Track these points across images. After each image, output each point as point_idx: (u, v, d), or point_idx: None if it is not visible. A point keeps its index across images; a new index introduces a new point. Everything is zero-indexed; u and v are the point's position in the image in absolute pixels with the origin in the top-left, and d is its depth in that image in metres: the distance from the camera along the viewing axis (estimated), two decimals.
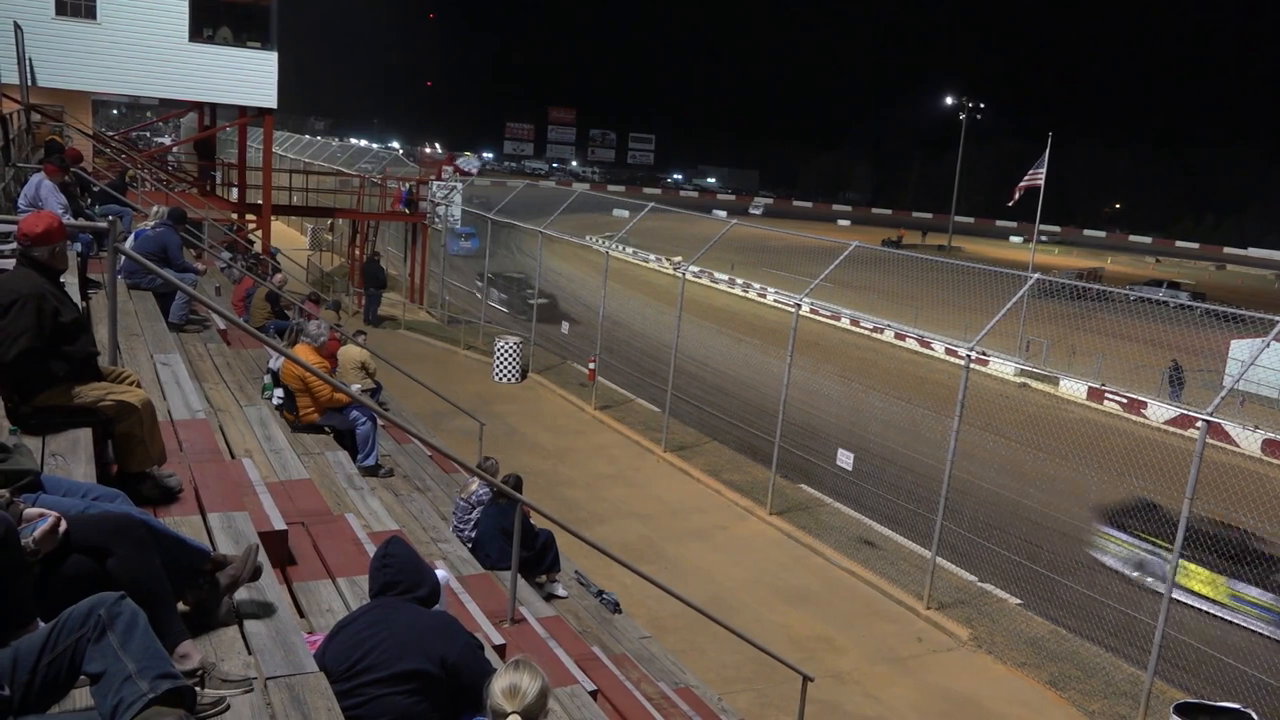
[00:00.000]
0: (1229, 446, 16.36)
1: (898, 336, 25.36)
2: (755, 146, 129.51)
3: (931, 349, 23.13)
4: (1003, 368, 21.48)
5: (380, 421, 8.89)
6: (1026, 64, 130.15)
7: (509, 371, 19.74)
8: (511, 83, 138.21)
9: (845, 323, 26.14)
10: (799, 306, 14.18)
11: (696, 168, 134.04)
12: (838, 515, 13.86)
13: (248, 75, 19.41)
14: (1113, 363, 22.74)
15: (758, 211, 56.14)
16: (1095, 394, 21.25)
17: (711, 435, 17.05)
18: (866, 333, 26.34)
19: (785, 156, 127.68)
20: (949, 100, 75.94)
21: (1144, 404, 19.51)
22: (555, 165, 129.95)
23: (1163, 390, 20.39)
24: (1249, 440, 16.41)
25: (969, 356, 11.22)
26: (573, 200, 22.46)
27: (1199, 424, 8.99)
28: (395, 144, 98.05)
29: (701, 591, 10.64)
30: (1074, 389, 21.70)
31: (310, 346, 9.12)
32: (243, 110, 21.21)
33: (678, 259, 19.12)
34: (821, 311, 22.03)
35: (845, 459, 13.30)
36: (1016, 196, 31.78)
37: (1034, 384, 21.99)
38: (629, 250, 31.80)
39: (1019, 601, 11.57)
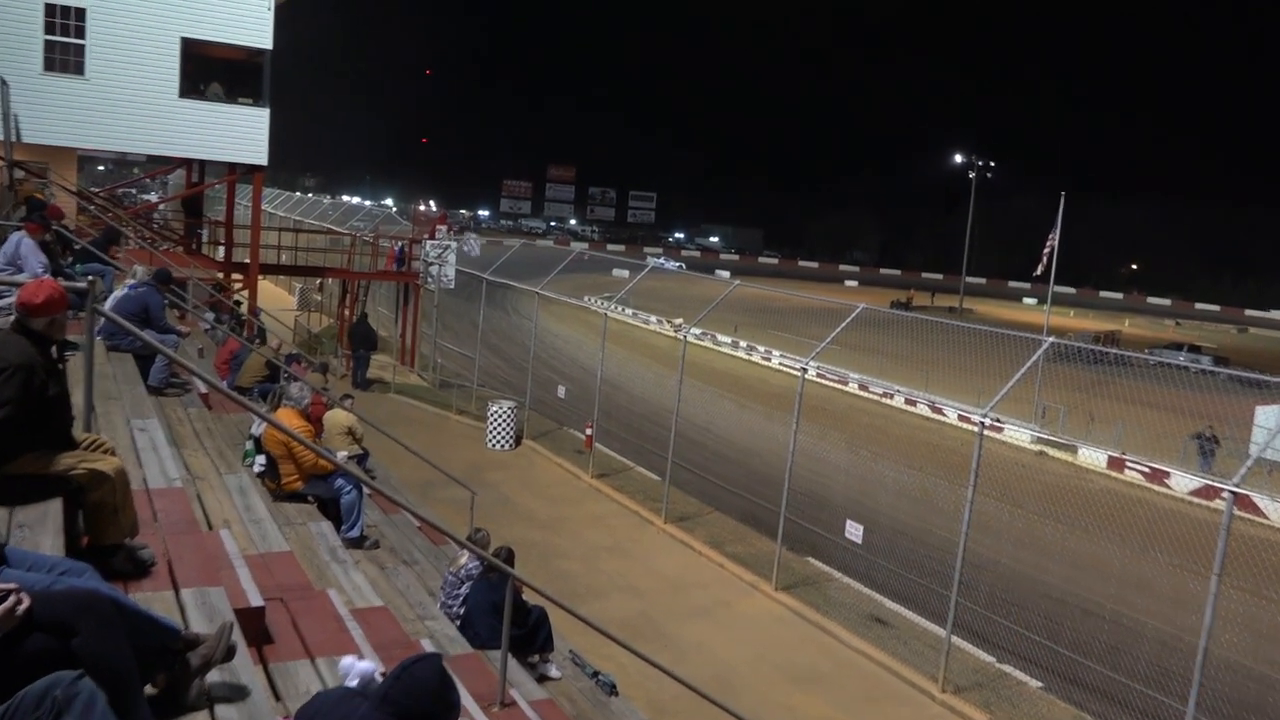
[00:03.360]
0: (1258, 519, 16.22)
1: (908, 402, 25.36)
2: (760, 204, 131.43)
3: (943, 415, 23.11)
4: (1018, 435, 21.44)
5: (366, 490, 8.84)
6: (1038, 119, 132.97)
7: (503, 437, 19.72)
8: (509, 139, 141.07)
9: (853, 387, 26.20)
10: (805, 370, 14.17)
11: (699, 226, 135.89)
12: (847, 591, 13.69)
13: (238, 131, 19.70)
14: (1133, 430, 22.65)
15: (673, 267, 57.60)
16: (1116, 463, 21.17)
17: (714, 505, 16.92)
18: (875, 398, 26.33)
19: (791, 215, 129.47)
20: (958, 158, 77.29)
21: (1167, 474, 19.43)
22: (553, 224, 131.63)
23: (1188, 459, 20.29)
24: (1278, 512, 16.27)
25: (983, 423, 11.19)
26: (571, 259, 22.76)
27: (1225, 495, 8.92)
28: (389, 201, 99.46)
29: (703, 672, 10.46)
30: (1093, 458, 21.61)
31: (294, 410, 9.12)
32: (232, 167, 21.50)
33: (679, 320, 19.25)
34: (829, 375, 22.05)
35: (854, 531, 13.16)
36: (1043, 264, 31.46)
37: (1051, 452, 21.91)
38: (628, 311, 32.00)
39: (1040, 685, 11.36)
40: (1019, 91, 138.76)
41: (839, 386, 25.87)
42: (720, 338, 30.51)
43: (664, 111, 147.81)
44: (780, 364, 26.61)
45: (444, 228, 25.95)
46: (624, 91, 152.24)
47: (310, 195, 59.50)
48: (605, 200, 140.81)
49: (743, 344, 31.01)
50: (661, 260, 76.32)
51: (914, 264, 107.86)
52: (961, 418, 19.96)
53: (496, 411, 19.76)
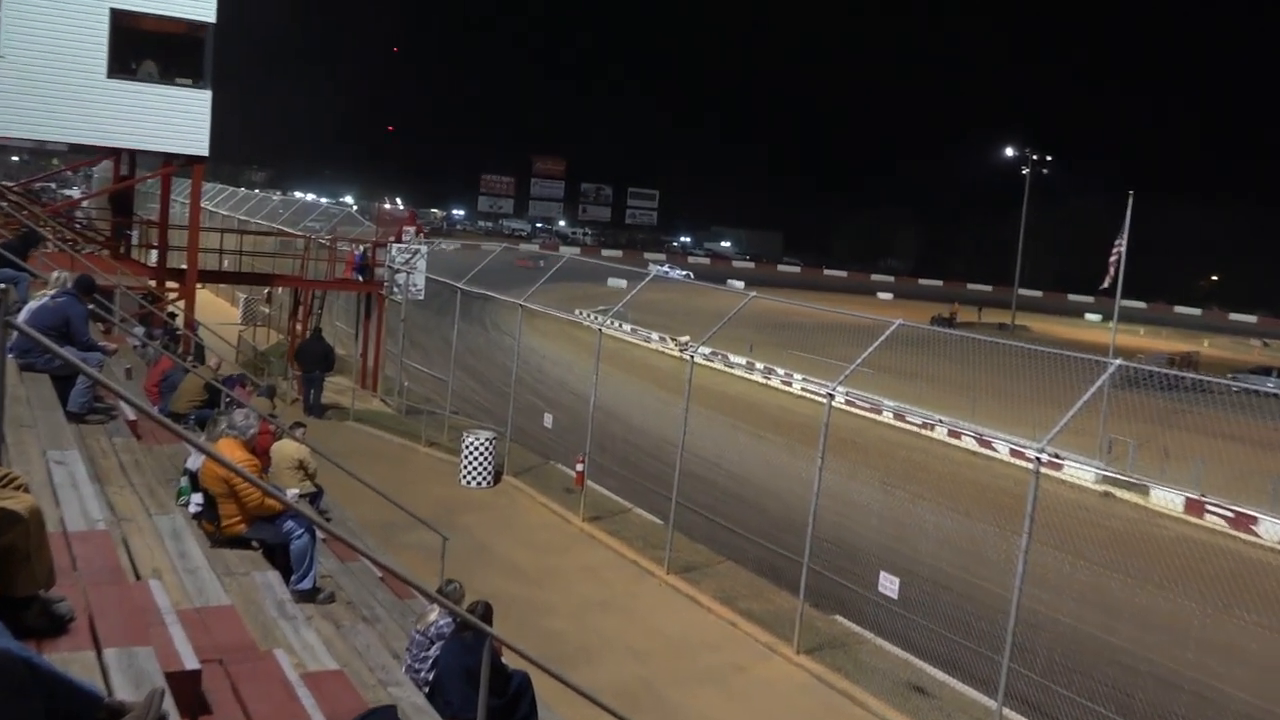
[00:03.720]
0: None
1: (951, 434, 25.46)
2: (779, 204, 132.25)
3: (993, 449, 23.16)
4: (1080, 473, 21.48)
5: (320, 534, 8.83)
6: (1103, 107, 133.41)
7: (479, 473, 19.77)
8: (489, 128, 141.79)
9: (887, 417, 26.25)
10: (832, 396, 14.24)
11: (708, 229, 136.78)
12: (880, 654, 13.66)
13: (175, 117, 19.75)
14: (1215, 468, 22.63)
15: (678, 276, 58.64)
16: (1194, 506, 21.14)
17: (726, 554, 16.93)
18: (913, 429, 26.39)
19: (815, 216, 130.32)
20: (1009, 151, 77.80)
21: (1254, 519, 19.39)
22: (540, 225, 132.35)
23: (1279, 502, 20.26)
24: None
25: (1039, 459, 11.21)
26: (560, 267, 22.77)
27: None
28: (349, 199, 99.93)
29: None
30: (1168, 500, 21.61)
31: (236, 441, 9.13)
32: (168, 159, 21.56)
33: (685, 338, 19.42)
34: (859, 403, 22.17)
35: (889, 585, 13.16)
36: (1109, 276, 31.39)
37: (1119, 493, 22.04)
38: (626, 327, 32.05)
39: None
40: (1081, 75, 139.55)
41: (871, 416, 25.88)
42: (733, 359, 30.63)
43: (668, 97, 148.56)
44: (803, 389, 26.66)
45: (412, 229, 26.08)
46: (622, 75, 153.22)
47: (258, 191, 59.86)
48: (600, 198, 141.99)
49: (759, 366, 31.10)
50: (665, 268, 76.98)
51: (958, 274, 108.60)
52: (1014, 453, 19.98)
53: (472, 443, 19.81)
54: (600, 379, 18.89)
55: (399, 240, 24.68)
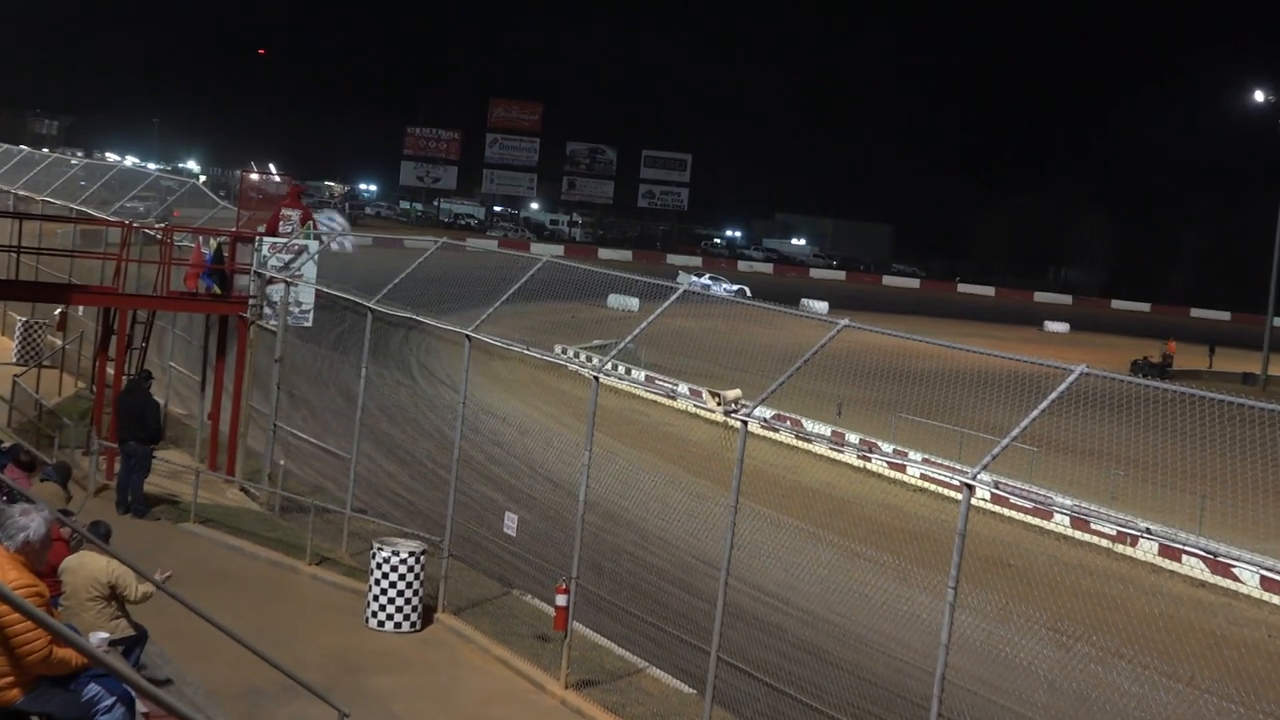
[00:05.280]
0: None
1: (1165, 553, 25.18)
2: (887, 182, 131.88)
3: (1237, 579, 22.89)
4: None
5: (143, 706, 8.75)
6: None
7: (399, 610, 19.54)
8: (419, 54, 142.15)
9: (1061, 523, 25.97)
10: (971, 488, 13.82)
11: (771, 217, 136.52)
12: None
13: None
14: None
15: (722, 291, 57.46)
16: None
17: None
18: (1102, 543, 26.11)
19: (945, 201, 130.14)
20: (1259, 96, 77.72)
21: None
22: (501, 210, 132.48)
23: None
24: None
25: None
26: (534, 276, 22.09)
27: None
28: (192, 165, 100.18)
29: None
30: None
31: (10, 555, 9.11)
32: None
33: (733, 393, 18.94)
34: (1014, 499, 21.95)
35: None
36: None
37: None
38: (639, 374, 31.77)
39: None
40: None
41: (1034, 521, 25.65)
42: (811, 426, 30.37)
43: (703, 15, 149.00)
44: (923, 476, 26.17)
45: (296, 214, 25.94)
46: None
47: (47, 151, 59.93)
48: (597, 167, 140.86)
49: (853, 439, 30.81)
50: (702, 279, 75.93)
51: (1171, 293, 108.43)
52: (1269, 584, 19.64)
53: (388, 560, 19.52)
54: (596, 457, 18.33)
55: (274, 232, 24.67)
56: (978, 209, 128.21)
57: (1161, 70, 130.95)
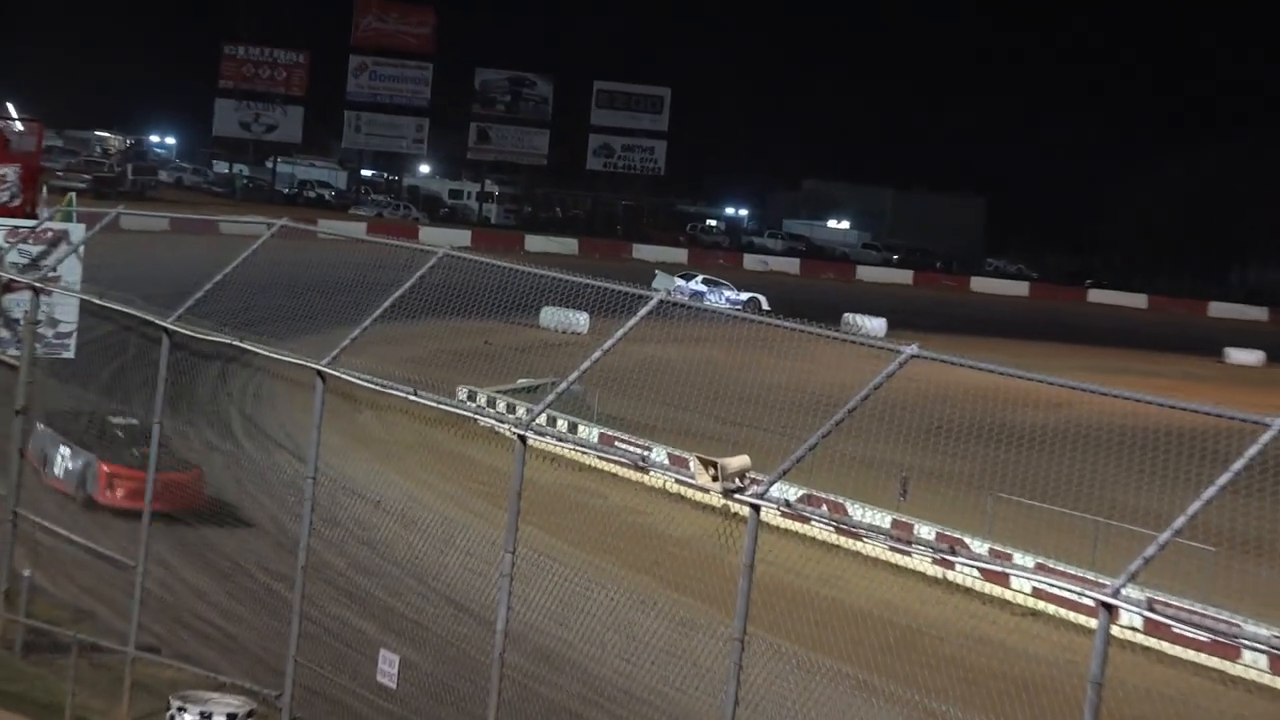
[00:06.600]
0: None
1: None
2: (969, 136, 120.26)
3: None
4: None
5: None
6: None
7: None
8: None
9: (1254, 663, 24.10)
10: (1111, 609, 11.20)
11: (798, 186, 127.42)
12: None
13: None
14: None
15: (721, 301, 52.51)
16: None
17: None
18: None
19: (1061, 166, 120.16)
20: None
21: None
22: (374, 176, 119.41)
23: None
24: None
25: None
26: (424, 277, 19.18)
27: None
28: None
29: None
30: None
31: None
32: None
33: (737, 463, 15.17)
34: (1178, 627, 20.96)
35: None
36: None
37: None
38: (590, 432, 30.23)
39: None
40: None
41: (1209, 661, 24.22)
42: (860, 514, 27.35)
43: None
44: (1037, 591, 24.37)
45: (10, 168, 24.23)
46: None
47: None
48: (523, 108, 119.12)
49: (926, 533, 27.92)
50: (689, 284, 69.59)
51: None
52: None
53: None
54: (524, 564, 15.98)
55: (26, 215, 22.95)
56: (1119, 175, 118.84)
57: None
